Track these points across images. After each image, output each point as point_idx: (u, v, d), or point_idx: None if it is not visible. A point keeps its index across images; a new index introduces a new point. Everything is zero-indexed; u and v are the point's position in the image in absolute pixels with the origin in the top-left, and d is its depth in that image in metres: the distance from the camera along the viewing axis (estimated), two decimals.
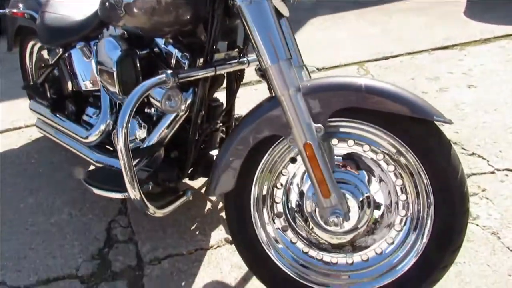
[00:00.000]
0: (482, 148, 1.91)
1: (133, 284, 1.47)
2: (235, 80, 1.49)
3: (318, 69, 2.83)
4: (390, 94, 1.06)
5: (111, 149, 1.69)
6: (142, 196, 1.19)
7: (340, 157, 1.21)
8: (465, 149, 1.91)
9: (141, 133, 1.51)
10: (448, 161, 1.07)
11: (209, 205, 1.79)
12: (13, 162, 2.24)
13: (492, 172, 1.76)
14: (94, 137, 1.64)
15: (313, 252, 1.26)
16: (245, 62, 1.41)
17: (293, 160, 1.23)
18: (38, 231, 1.74)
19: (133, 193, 1.17)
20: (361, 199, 1.16)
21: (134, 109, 1.14)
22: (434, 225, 1.11)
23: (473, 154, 1.88)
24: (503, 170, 1.78)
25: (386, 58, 2.88)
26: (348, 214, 1.12)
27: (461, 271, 1.35)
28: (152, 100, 1.33)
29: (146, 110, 1.52)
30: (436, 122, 1.07)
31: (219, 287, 1.41)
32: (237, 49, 1.41)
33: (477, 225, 1.52)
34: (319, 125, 1.09)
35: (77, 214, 1.81)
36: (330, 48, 3.26)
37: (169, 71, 1.19)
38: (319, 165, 1.07)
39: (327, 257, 1.26)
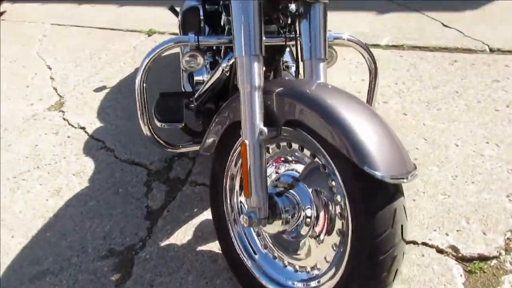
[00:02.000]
0: None
1: (170, 192, 1.85)
2: (274, 53, 1.48)
3: (491, 50, 2.25)
4: (339, 123, 0.95)
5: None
6: (153, 132, 1.46)
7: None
8: None
9: (205, 78, 1.73)
10: (370, 219, 0.93)
11: None
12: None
13: None
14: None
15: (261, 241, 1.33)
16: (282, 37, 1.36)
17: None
18: None
19: (144, 129, 1.45)
20: (290, 215, 1.14)
21: (153, 58, 1.33)
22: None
23: None
24: None
25: None
26: (264, 220, 1.12)
27: None
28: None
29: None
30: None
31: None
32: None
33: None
34: (264, 128, 1.08)
35: None
36: None
37: (193, 34, 1.33)
38: (247, 165, 1.09)
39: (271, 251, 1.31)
